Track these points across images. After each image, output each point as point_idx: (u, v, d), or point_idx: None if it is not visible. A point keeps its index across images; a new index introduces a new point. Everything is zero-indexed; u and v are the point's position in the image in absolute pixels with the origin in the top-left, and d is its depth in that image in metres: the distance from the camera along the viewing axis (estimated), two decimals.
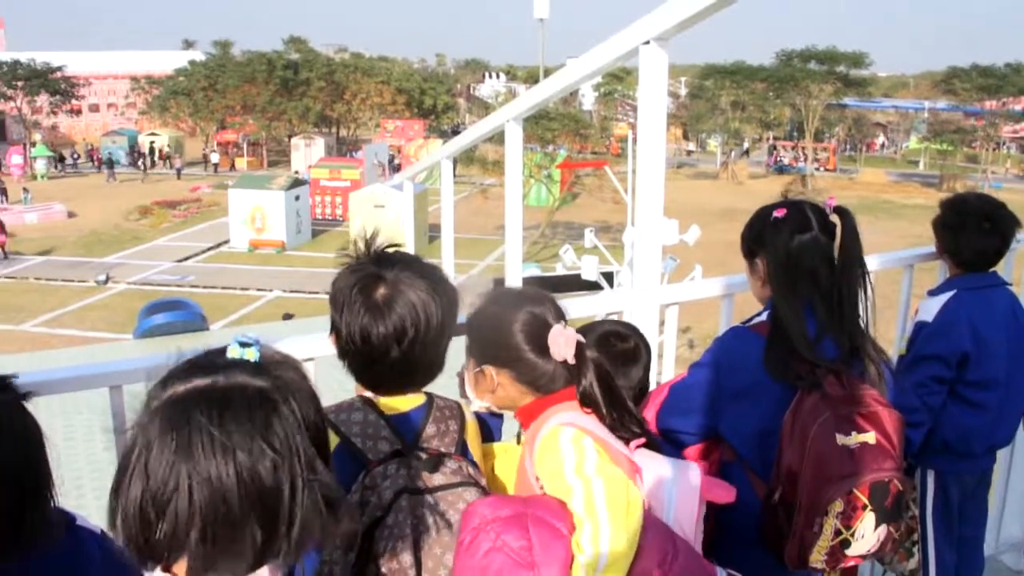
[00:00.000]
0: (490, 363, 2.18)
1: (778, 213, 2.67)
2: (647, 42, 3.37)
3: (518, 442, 2.34)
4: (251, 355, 1.38)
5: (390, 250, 2.18)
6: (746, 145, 69.17)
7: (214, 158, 63.70)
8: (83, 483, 6.15)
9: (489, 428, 2.45)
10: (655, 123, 3.42)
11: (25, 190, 48.57)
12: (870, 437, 2.37)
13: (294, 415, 1.34)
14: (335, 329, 2.13)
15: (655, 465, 2.15)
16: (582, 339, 2.14)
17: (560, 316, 2.18)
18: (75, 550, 1.86)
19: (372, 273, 2.09)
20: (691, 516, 2.14)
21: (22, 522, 1.72)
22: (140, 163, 61.12)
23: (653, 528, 1.97)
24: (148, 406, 1.34)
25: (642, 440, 2.18)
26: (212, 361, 1.37)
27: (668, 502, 2.12)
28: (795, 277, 2.59)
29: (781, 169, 64.45)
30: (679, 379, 2.76)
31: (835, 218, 2.65)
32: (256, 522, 1.29)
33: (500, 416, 2.49)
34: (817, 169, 63.59)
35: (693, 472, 2.18)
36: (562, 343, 2.09)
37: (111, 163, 58.98)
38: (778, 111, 65.52)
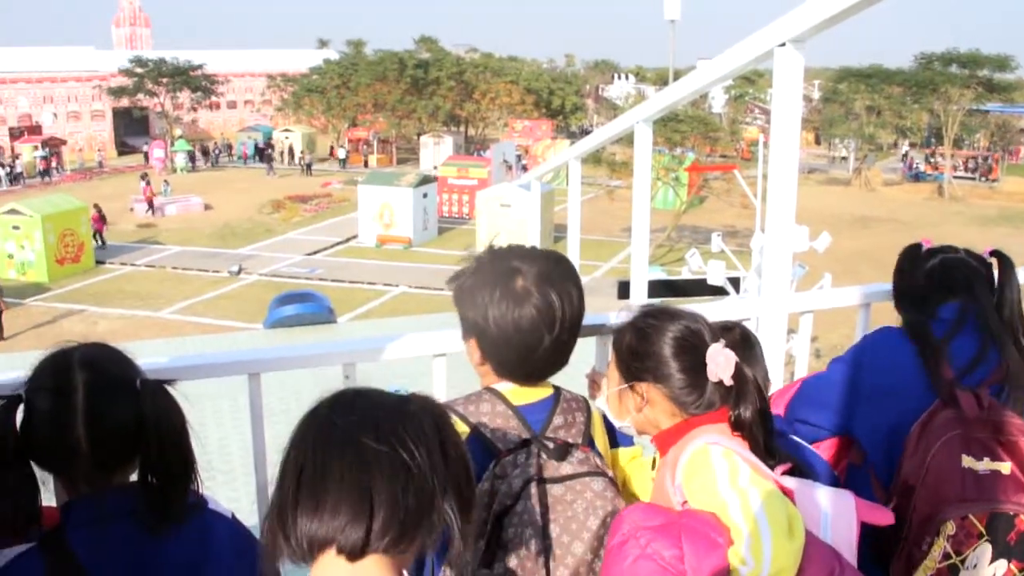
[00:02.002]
0: (641, 379, 2.12)
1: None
2: (783, 44, 3.30)
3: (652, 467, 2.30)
4: None
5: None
6: (852, 152, 66.95)
7: (341, 153, 64.87)
8: (214, 467, 6.34)
9: (614, 430, 2.41)
10: (789, 128, 3.34)
11: (165, 182, 50.37)
12: (1004, 467, 2.27)
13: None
14: (475, 331, 2.14)
15: (806, 490, 2.04)
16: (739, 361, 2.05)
17: (717, 335, 2.10)
18: (206, 532, 1.92)
19: (510, 267, 2.11)
20: (849, 543, 2.01)
21: (167, 503, 1.83)
22: (267, 157, 62.52)
23: (815, 544, 1.88)
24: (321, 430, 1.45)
25: (788, 465, 2.09)
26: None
27: (823, 527, 2.00)
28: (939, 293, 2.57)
29: (917, 176, 62.40)
30: (816, 373, 2.72)
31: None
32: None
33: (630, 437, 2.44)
34: (980, 178, 61.11)
35: (846, 497, 2.06)
36: (721, 362, 2.01)
37: (270, 158, 60.76)
38: (915, 116, 63.58)
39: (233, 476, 5.74)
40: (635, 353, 2.13)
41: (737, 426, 2.04)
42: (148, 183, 46.07)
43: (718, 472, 1.93)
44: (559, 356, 2.14)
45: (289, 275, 32.57)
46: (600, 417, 2.29)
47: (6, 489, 1.79)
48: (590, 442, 2.18)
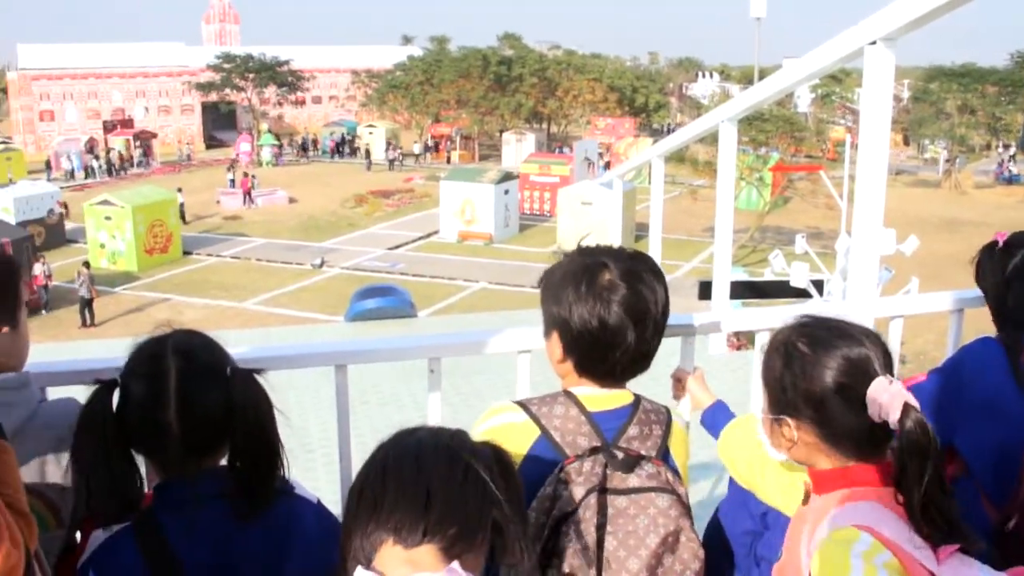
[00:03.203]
0: (789, 414, 1.89)
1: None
2: (873, 42, 3.25)
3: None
4: None
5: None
6: (944, 153, 65.06)
7: (416, 149, 65.08)
8: (295, 456, 6.45)
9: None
10: (878, 128, 3.28)
11: (252, 176, 51.20)
12: None
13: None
14: (557, 325, 2.09)
15: None
16: (911, 399, 1.72)
17: (887, 364, 1.82)
18: (292, 516, 1.97)
19: (596, 262, 2.08)
20: None
21: (254, 487, 1.89)
22: (365, 153, 63.05)
23: None
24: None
25: (955, 546, 1.71)
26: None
27: None
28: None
29: (1010, 179, 60.63)
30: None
31: None
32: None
33: None
34: None
35: None
36: (885, 400, 1.71)
37: (367, 152, 61.51)
38: (1010, 116, 61.91)
39: (314, 466, 5.82)
40: (784, 387, 1.90)
41: (899, 482, 1.74)
42: (246, 175, 47.33)
43: None
44: (642, 356, 2.09)
45: (371, 269, 32.90)
46: (682, 430, 2.23)
47: (103, 469, 1.85)
48: (665, 455, 2.11)
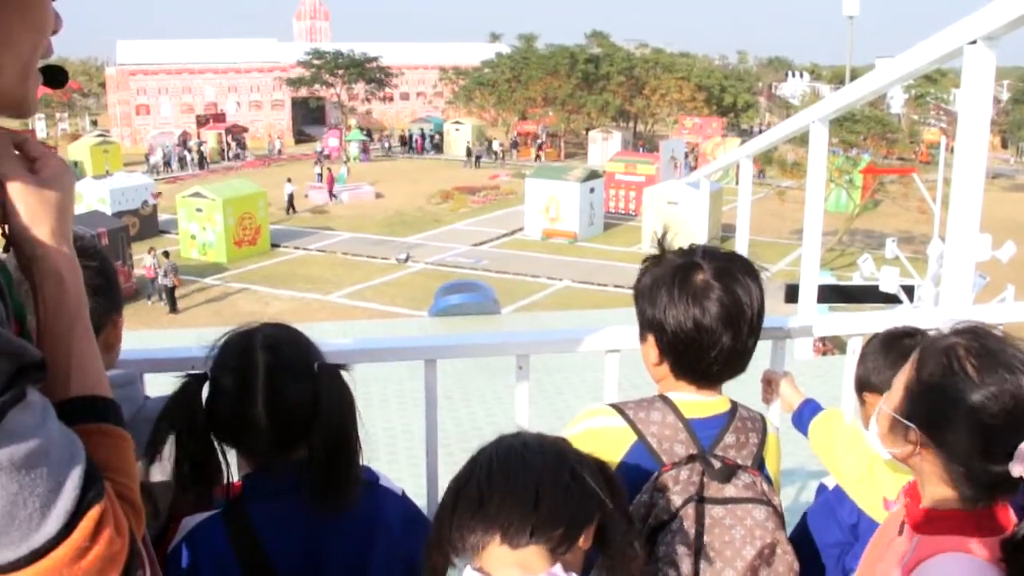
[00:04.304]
0: (922, 428, 1.69)
1: None
2: (973, 42, 3.17)
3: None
4: None
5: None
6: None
7: (494, 145, 65.01)
8: (378, 449, 6.52)
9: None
10: (977, 130, 3.20)
11: (337, 168, 51.86)
12: None
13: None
14: (652, 327, 2.07)
15: None
16: None
17: None
18: (376, 507, 2.01)
19: (690, 262, 2.05)
20: None
21: (339, 479, 1.92)
22: (466, 150, 63.06)
23: None
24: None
25: None
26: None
27: None
28: None
29: None
30: None
31: None
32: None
33: None
34: None
35: None
36: None
37: (469, 151, 61.58)
38: None
39: (396, 459, 5.88)
40: (931, 399, 1.68)
41: (1012, 549, 1.56)
42: (328, 170, 48.21)
43: None
44: (738, 356, 2.05)
45: (455, 264, 33.05)
46: (776, 440, 2.20)
47: (192, 459, 1.91)
48: (760, 465, 2.09)
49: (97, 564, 1.11)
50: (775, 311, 2.53)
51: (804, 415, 2.46)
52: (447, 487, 1.53)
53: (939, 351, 1.68)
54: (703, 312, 1.99)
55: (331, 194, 46.28)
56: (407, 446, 5.86)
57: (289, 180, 44.38)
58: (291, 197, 43.11)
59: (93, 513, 1.11)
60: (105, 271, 2.09)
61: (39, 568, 1.05)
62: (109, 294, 2.09)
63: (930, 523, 1.70)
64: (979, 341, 1.66)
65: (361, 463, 2.00)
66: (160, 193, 39.96)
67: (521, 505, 1.41)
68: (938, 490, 1.69)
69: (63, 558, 1.07)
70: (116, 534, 1.13)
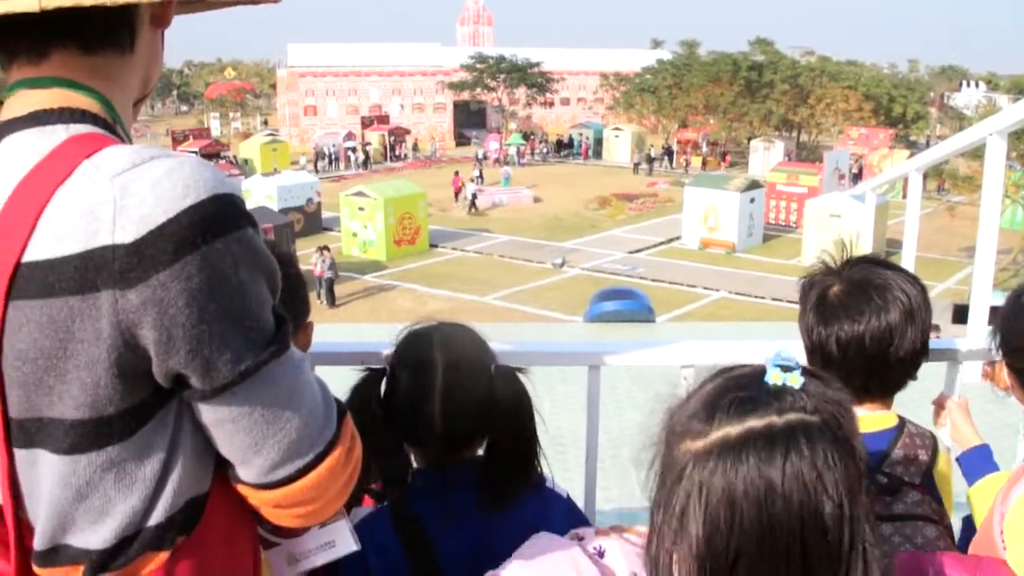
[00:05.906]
0: (1004, 359, 1.83)
1: None
2: None
3: None
4: (794, 380, 1.23)
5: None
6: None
7: (652, 152, 63.90)
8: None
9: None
10: None
11: (483, 172, 52.39)
12: None
13: (843, 452, 1.23)
14: (815, 346, 2.02)
15: None
16: None
17: None
18: (543, 509, 2.01)
19: (841, 277, 2.02)
20: None
21: (509, 480, 1.96)
22: (646, 158, 62.26)
23: None
24: (680, 439, 1.26)
25: None
26: (757, 395, 1.22)
27: None
28: None
29: None
30: None
31: None
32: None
33: None
34: None
35: None
36: None
37: (650, 159, 60.73)
38: None
39: (565, 459, 5.94)
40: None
41: None
42: (477, 175, 49.16)
43: None
44: (902, 370, 1.99)
45: (610, 271, 32.92)
46: (948, 458, 2.12)
47: (379, 453, 1.93)
48: (930, 483, 2.02)
49: (356, 465, 1.40)
50: (944, 332, 2.47)
51: (976, 469, 2.26)
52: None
53: None
54: (863, 326, 1.93)
55: (473, 205, 44.92)
56: (576, 452, 5.89)
57: (472, 180, 46.21)
58: (474, 196, 44.21)
59: (348, 419, 1.40)
60: (299, 277, 2.20)
61: (327, 463, 1.33)
62: (303, 299, 2.19)
63: None
64: None
65: (539, 463, 2.02)
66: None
67: None
68: None
69: (339, 456, 1.35)
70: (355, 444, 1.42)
